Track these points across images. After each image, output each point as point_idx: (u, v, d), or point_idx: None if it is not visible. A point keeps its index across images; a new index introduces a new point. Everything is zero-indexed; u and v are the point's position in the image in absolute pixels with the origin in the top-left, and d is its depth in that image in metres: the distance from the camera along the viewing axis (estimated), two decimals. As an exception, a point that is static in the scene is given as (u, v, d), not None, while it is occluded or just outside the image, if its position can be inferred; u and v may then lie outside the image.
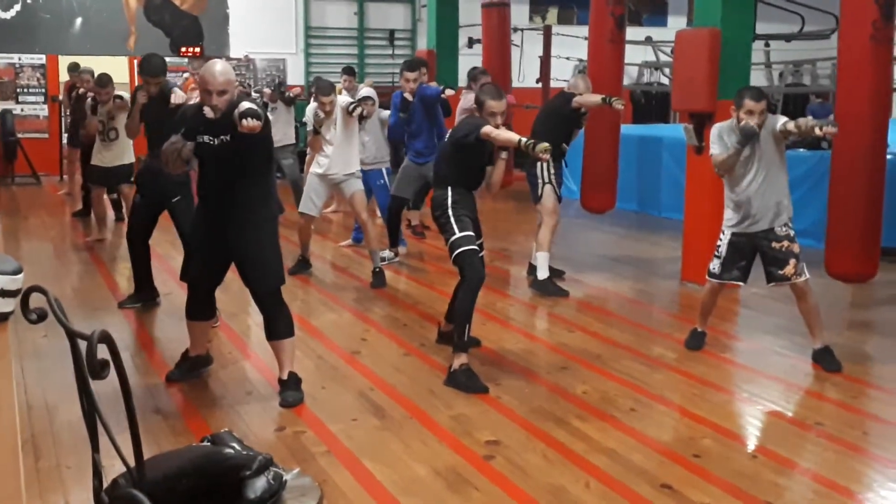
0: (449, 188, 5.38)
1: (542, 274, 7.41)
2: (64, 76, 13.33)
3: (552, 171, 7.45)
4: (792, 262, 5.46)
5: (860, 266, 6.57)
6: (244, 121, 4.33)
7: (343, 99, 7.81)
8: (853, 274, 6.69)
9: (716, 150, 5.47)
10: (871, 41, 6.25)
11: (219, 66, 4.68)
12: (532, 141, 4.97)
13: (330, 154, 7.61)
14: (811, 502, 3.81)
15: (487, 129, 5.16)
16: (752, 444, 4.51)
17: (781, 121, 5.38)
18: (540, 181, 7.48)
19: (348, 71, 11.18)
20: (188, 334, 5.23)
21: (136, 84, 7.23)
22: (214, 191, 4.80)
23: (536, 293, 7.36)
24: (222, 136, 4.65)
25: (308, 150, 7.98)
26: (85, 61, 13.27)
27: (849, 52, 6.43)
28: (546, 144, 4.98)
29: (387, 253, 8.37)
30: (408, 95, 8.32)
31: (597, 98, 7.37)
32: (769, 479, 4.01)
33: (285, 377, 4.91)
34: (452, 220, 5.31)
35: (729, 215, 5.60)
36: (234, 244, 4.80)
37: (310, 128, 7.68)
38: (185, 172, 5.61)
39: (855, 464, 4.26)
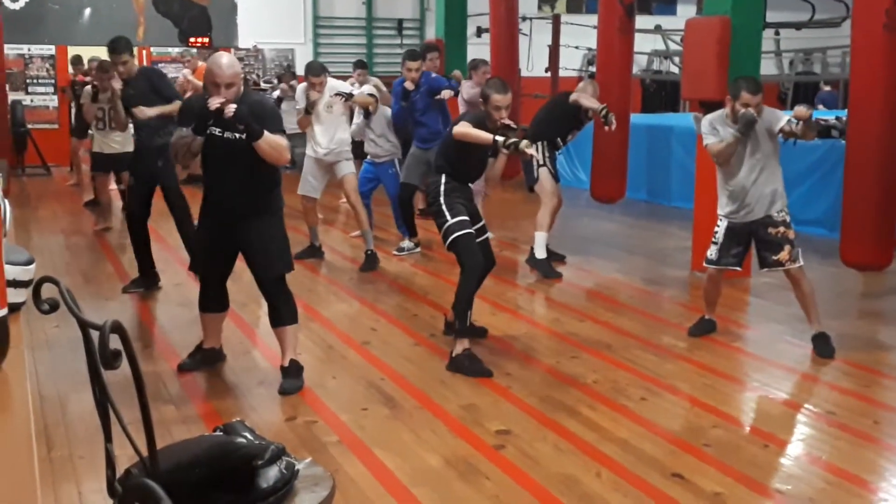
0: (442, 176, 5.45)
1: (540, 253, 7.63)
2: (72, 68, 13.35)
3: (547, 154, 7.63)
4: (787, 248, 5.49)
5: (875, 255, 6.54)
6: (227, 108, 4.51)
7: (334, 82, 8.01)
8: (868, 263, 6.66)
9: (711, 139, 5.56)
10: (884, 30, 6.20)
11: (225, 59, 4.72)
12: (513, 141, 5.05)
13: (319, 135, 7.87)
14: (822, 491, 3.80)
15: (459, 129, 5.26)
16: (762, 433, 4.50)
17: (784, 119, 5.40)
18: (535, 164, 7.61)
19: (360, 64, 11.19)
20: (201, 326, 5.24)
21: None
22: (224, 182, 4.80)
23: (532, 269, 7.60)
24: (235, 133, 4.66)
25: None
26: (93, 52, 13.31)
27: (862, 40, 6.38)
28: (527, 141, 5.12)
29: (406, 243, 8.46)
30: (409, 85, 8.33)
31: (594, 103, 7.50)
32: (780, 468, 4.01)
33: (286, 364, 4.95)
34: (444, 207, 5.37)
35: (724, 203, 5.66)
36: (242, 234, 4.83)
37: (300, 106, 7.91)
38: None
39: (866, 453, 4.25)
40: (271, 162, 4.72)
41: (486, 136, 5.17)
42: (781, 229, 5.51)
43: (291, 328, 4.98)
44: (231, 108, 4.53)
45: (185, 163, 4.99)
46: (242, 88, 4.75)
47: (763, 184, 5.50)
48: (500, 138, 5.13)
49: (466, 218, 5.34)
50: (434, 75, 8.66)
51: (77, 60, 12.95)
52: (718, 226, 5.70)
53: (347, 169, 7.94)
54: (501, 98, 5.31)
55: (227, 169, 4.77)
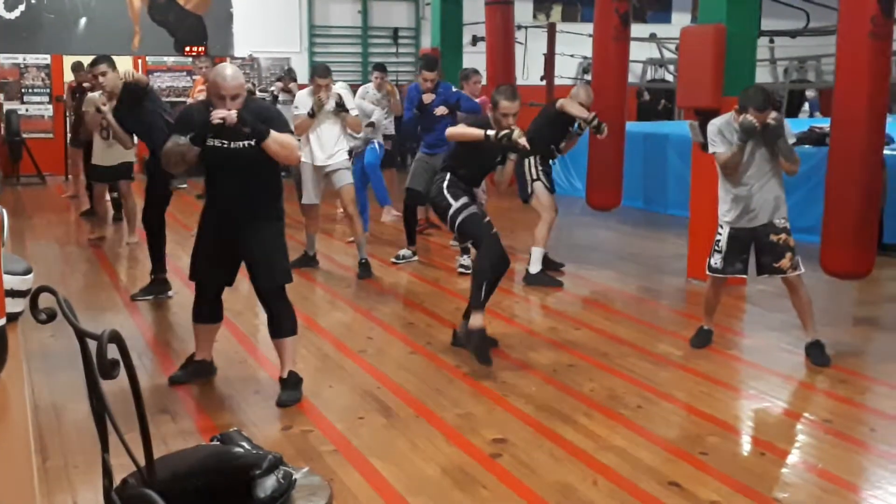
0: (447, 174, 5.68)
1: (535, 268, 7.64)
2: (69, 76, 13.31)
3: (540, 167, 7.64)
4: (788, 255, 5.48)
5: (855, 263, 6.48)
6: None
7: (340, 88, 7.92)
8: (848, 271, 6.60)
9: (720, 148, 5.47)
10: (869, 37, 6.21)
11: (229, 70, 4.70)
12: (505, 133, 5.26)
13: (319, 141, 7.78)
14: (819, 499, 3.81)
15: (450, 130, 5.63)
16: (759, 441, 4.50)
17: (789, 134, 5.43)
18: (528, 178, 7.65)
19: (380, 67, 11.21)
20: (194, 337, 5.22)
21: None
22: (229, 192, 4.76)
23: (529, 286, 7.53)
24: (240, 142, 4.62)
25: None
26: (89, 61, 13.26)
27: (847, 48, 6.39)
28: (519, 130, 5.32)
29: (405, 251, 8.46)
30: (427, 98, 8.31)
31: (581, 111, 7.40)
32: (777, 476, 4.01)
33: (285, 376, 4.92)
34: (447, 194, 5.61)
35: (726, 210, 5.59)
36: (245, 243, 4.80)
37: (303, 111, 7.64)
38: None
39: (863, 460, 4.25)
40: (283, 161, 4.75)
41: (475, 131, 5.40)
42: (783, 236, 5.50)
43: (291, 340, 4.94)
44: (232, 115, 4.50)
45: (177, 171, 4.90)
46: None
47: (769, 190, 5.48)
48: (491, 132, 5.29)
49: (467, 200, 5.59)
50: (454, 89, 8.70)
51: (78, 66, 12.86)
52: (720, 233, 5.63)
53: (346, 179, 7.85)
54: (510, 105, 5.49)
55: (232, 179, 4.74)
